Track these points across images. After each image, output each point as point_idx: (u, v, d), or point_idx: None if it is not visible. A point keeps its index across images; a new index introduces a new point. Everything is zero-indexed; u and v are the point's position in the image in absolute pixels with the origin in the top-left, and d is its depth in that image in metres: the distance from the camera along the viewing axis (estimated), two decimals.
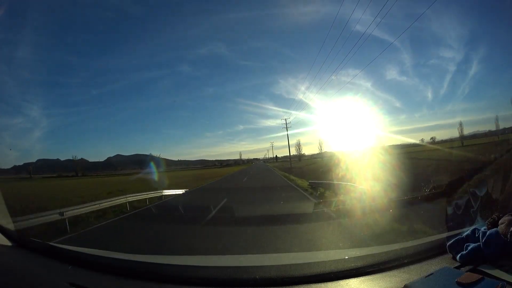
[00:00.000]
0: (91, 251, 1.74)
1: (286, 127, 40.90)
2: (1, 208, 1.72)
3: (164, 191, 13.86)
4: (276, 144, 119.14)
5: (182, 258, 2.23)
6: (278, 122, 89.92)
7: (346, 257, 1.33)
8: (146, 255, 1.94)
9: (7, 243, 1.54)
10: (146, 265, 1.49)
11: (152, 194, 12.45)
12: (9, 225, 1.63)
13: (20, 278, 1.27)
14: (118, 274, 1.33)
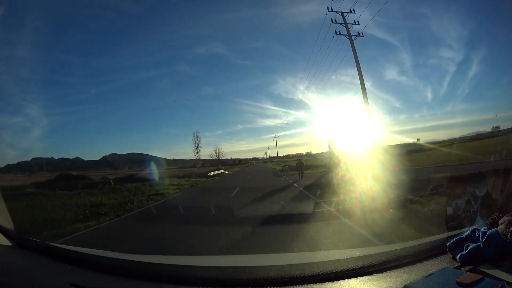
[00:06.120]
0: (91, 251, 1.73)
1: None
2: (1, 208, 1.72)
3: None
4: (275, 144, 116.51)
5: (182, 258, 2.23)
6: (278, 121, 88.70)
7: (346, 257, 1.33)
8: (146, 255, 1.94)
9: (7, 243, 1.54)
10: (146, 265, 1.48)
11: None
12: (9, 225, 1.62)
13: (20, 278, 1.27)
14: (118, 274, 1.33)
